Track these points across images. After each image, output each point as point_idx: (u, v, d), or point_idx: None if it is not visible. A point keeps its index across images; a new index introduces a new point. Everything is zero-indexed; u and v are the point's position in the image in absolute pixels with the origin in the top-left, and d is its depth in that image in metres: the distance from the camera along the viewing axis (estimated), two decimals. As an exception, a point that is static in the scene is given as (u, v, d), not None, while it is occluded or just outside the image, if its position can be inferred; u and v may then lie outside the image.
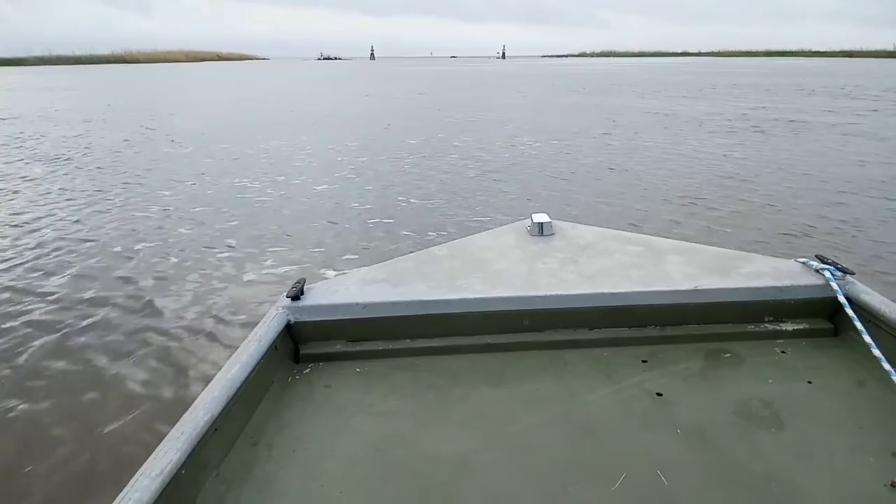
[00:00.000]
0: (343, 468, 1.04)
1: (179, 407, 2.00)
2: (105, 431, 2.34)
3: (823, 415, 1.15)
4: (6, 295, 3.72)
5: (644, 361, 1.35)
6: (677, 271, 1.53)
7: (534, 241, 1.74)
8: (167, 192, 6.51)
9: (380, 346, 1.41)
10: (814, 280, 1.47)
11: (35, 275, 4.08)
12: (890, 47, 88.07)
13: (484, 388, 1.27)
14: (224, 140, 10.45)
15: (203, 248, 4.58)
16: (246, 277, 3.98)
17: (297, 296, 1.41)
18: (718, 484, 0.98)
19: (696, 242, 1.80)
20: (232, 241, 4.73)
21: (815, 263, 1.51)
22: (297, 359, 1.39)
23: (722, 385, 1.26)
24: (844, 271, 1.46)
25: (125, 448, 2.22)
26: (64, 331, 3.23)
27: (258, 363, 1.20)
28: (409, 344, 1.42)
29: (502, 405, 1.21)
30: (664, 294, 1.44)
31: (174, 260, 4.34)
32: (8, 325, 3.30)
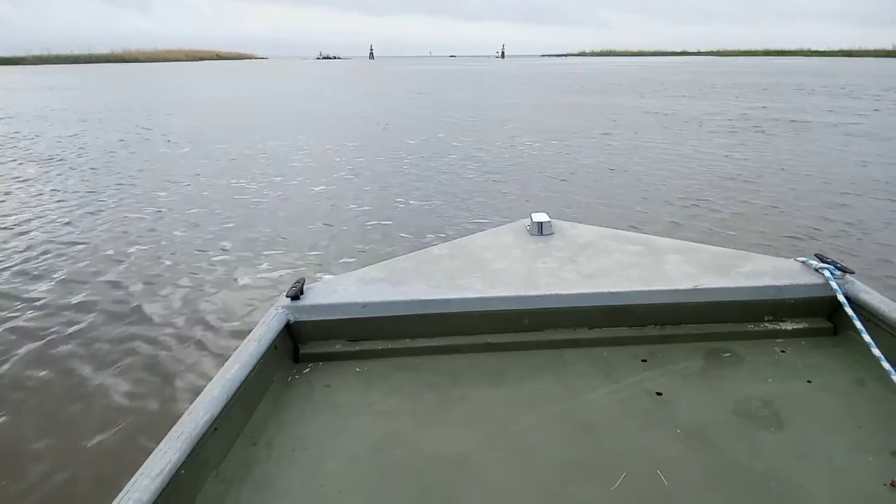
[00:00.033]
0: (343, 468, 1.04)
1: (165, 420, 1.92)
2: (87, 446, 2.25)
3: (823, 414, 1.15)
4: (-9, 300, 3.63)
5: (644, 361, 1.35)
6: (677, 271, 1.52)
7: (533, 241, 1.74)
8: (162, 194, 6.43)
9: (379, 345, 1.41)
10: (813, 279, 1.47)
11: (21, 279, 3.99)
12: (889, 46, 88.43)
13: (484, 387, 1.27)
14: (221, 140, 10.37)
15: (196, 252, 4.50)
16: (239, 282, 3.89)
17: (296, 295, 1.41)
18: (718, 483, 0.98)
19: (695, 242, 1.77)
20: (226, 244, 4.65)
21: (815, 262, 1.51)
22: (296, 358, 1.39)
23: (721, 384, 1.26)
24: (844, 270, 1.45)
25: (107, 466, 2.13)
26: (48, 338, 3.14)
27: (258, 363, 1.20)
28: (408, 343, 1.42)
29: (502, 405, 1.21)
30: (664, 293, 1.44)
31: (166, 263, 4.25)
32: (-9, 332, 3.21)
